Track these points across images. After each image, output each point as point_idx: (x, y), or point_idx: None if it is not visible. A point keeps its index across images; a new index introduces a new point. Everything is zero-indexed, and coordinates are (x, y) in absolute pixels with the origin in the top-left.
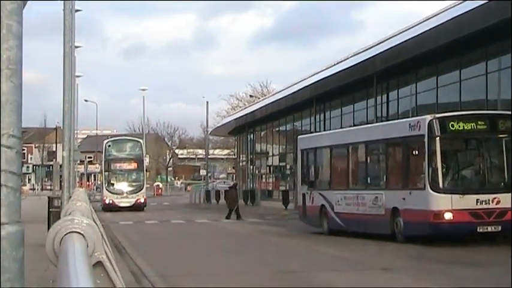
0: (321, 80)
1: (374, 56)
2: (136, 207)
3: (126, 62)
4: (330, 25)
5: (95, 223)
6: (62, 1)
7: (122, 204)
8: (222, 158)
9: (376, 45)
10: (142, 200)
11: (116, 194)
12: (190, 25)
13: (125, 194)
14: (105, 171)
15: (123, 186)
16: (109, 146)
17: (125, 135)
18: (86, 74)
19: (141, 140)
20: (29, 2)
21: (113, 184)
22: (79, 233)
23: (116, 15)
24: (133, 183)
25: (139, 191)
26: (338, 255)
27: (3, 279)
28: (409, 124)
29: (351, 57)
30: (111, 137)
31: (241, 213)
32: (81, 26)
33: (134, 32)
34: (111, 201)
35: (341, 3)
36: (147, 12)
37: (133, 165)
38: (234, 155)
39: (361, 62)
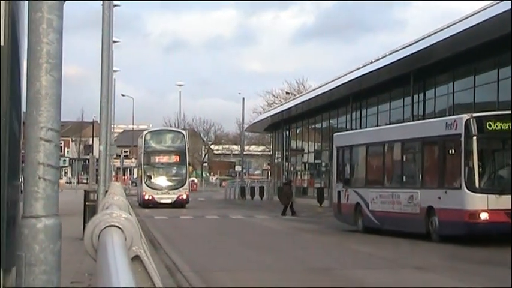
0: (358, 77)
1: (411, 54)
2: (178, 204)
3: (164, 57)
4: (371, 22)
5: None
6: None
7: (162, 201)
8: (258, 155)
9: (414, 43)
10: (184, 197)
11: (156, 189)
12: (231, 21)
13: (165, 190)
14: (144, 165)
15: (163, 181)
16: (149, 137)
17: None
18: (124, 69)
19: (183, 132)
20: None
21: (152, 178)
22: (117, 227)
23: (157, 9)
24: (175, 178)
25: (182, 186)
26: (372, 253)
27: (39, 271)
28: (446, 123)
29: (388, 55)
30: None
31: (275, 209)
32: (121, 20)
33: (174, 27)
34: (150, 197)
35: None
36: (188, 7)
37: (175, 159)
38: (270, 151)
39: (399, 60)
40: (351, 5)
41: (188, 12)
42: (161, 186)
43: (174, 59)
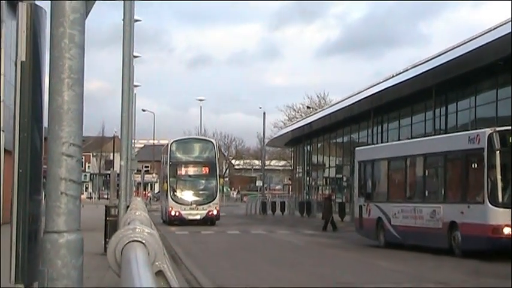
0: (380, 91)
1: (433, 68)
2: (208, 221)
3: (187, 71)
4: (395, 36)
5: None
6: (123, 12)
7: (190, 217)
8: (279, 169)
9: (436, 57)
10: (215, 212)
11: (183, 204)
12: (255, 36)
13: (193, 205)
14: (170, 177)
15: (191, 195)
16: (175, 147)
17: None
18: (145, 84)
19: (212, 141)
20: (92, 12)
21: (179, 192)
22: (141, 242)
23: (181, 24)
24: (204, 192)
25: (212, 201)
26: (394, 268)
27: (61, 286)
28: (469, 137)
29: (410, 69)
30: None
31: (297, 224)
32: (144, 34)
33: (199, 41)
34: (177, 213)
35: (409, 15)
36: (212, 22)
37: (204, 170)
38: (291, 166)
39: (420, 74)
40: (375, 20)
41: (213, 27)
42: (189, 201)
43: (197, 73)
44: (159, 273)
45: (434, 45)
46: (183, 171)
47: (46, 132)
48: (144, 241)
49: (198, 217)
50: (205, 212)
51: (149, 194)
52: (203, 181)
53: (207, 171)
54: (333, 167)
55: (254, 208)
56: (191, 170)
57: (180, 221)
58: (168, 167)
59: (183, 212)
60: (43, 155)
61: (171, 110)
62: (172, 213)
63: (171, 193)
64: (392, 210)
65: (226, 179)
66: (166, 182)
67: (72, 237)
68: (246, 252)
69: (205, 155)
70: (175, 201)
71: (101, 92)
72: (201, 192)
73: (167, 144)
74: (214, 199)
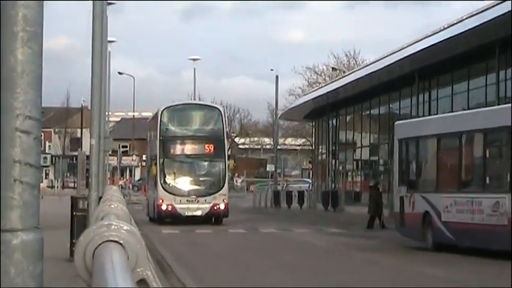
0: (427, 48)
1: (500, 15)
2: (213, 218)
3: (180, 24)
4: None
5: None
6: None
7: (188, 213)
8: (295, 150)
9: (501, 2)
10: (222, 206)
11: (178, 195)
12: None
13: (192, 197)
14: (160, 158)
15: (189, 182)
16: (167, 116)
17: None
18: (123, 40)
19: (219, 107)
20: None
21: (172, 179)
22: (118, 242)
23: None
24: (207, 179)
25: (218, 190)
26: (445, 277)
27: None
28: None
29: (465, 19)
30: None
31: (319, 220)
32: None
33: None
34: (169, 207)
35: None
36: None
37: (208, 148)
38: (311, 145)
39: (481, 24)
40: None
41: None
42: (186, 190)
43: (193, 27)
44: (142, 283)
45: None
46: (178, 149)
47: None
48: (122, 241)
49: (198, 213)
50: (208, 206)
51: (125, 182)
52: (206, 163)
53: (212, 149)
54: (366, 147)
55: (264, 200)
56: (189, 148)
57: (174, 218)
58: (157, 144)
59: (178, 206)
60: None
61: (158, 74)
62: (163, 207)
63: (162, 180)
64: (443, 203)
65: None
66: (155, 164)
67: (29, 238)
68: (254, 257)
69: (208, 127)
70: (168, 191)
71: (69, 51)
72: (202, 178)
73: (156, 114)
74: (221, 188)
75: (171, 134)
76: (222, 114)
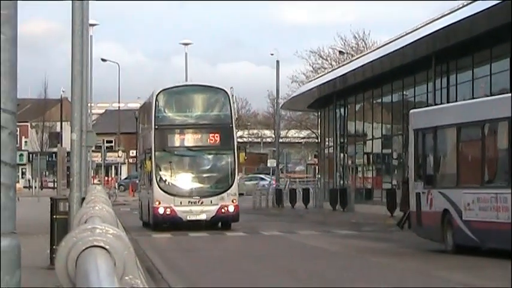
0: (444, 28)
1: None
2: (220, 222)
3: (169, 4)
4: None
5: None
6: None
7: (190, 217)
8: (299, 143)
9: None
10: (231, 209)
11: (177, 195)
12: None
13: (195, 197)
14: (156, 152)
15: (191, 180)
16: (163, 100)
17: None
18: (107, 23)
19: (226, 89)
20: None
21: (170, 176)
22: (103, 247)
23: None
24: (213, 175)
25: (226, 189)
26: (467, 282)
27: None
28: None
29: None
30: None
31: (327, 221)
32: None
33: None
34: (167, 210)
35: None
36: None
37: (212, 138)
38: (316, 138)
39: (504, 1)
40: None
41: None
42: (187, 190)
43: (184, 8)
44: None
45: None
46: (177, 140)
47: None
48: (107, 246)
49: (203, 217)
50: (214, 208)
51: (115, 182)
52: (210, 156)
53: (217, 139)
54: (378, 139)
55: (266, 199)
56: (190, 139)
57: (174, 224)
58: (152, 134)
59: (177, 209)
60: None
61: (146, 60)
62: (160, 210)
63: (158, 177)
64: (464, 200)
65: None
66: (150, 159)
67: (5, 244)
68: (255, 264)
69: (213, 112)
70: (165, 191)
71: (47, 36)
72: (207, 175)
73: (150, 98)
74: (229, 187)
75: (169, 122)
76: (229, 97)
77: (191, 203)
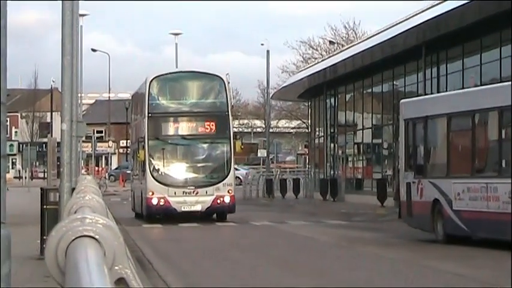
0: (434, 18)
1: None
2: (216, 213)
3: None
4: None
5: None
6: None
7: (185, 208)
8: (290, 133)
9: None
10: (227, 199)
11: (172, 185)
12: None
13: (190, 188)
14: (150, 141)
15: (185, 170)
16: (156, 87)
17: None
18: (97, 13)
19: (222, 76)
20: None
21: (164, 166)
22: (93, 237)
23: None
24: (208, 164)
25: (222, 179)
26: (458, 272)
27: None
28: None
29: None
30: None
31: (318, 211)
32: None
33: None
34: (161, 200)
35: None
36: None
37: (208, 127)
38: (307, 128)
39: None
40: None
41: None
42: (182, 180)
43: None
44: (120, 282)
45: None
46: (171, 128)
47: None
48: (97, 236)
49: (198, 208)
50: (210, 199)
51: (105, 172)
52: (206, 145)
53: (213, 128)
54: (368, 129)
55: (256, 189)
56: (185, 127)
57: (168, 215)
58: (145, 122)
59: (171, 200)
60: None
61: (137, 50)
62: (154, 201)
63: (151, 167)
64: (454, 189)
65: None
66: (143, 148)
67: None
68: (245, 254)
69: (208, 100)
70: (159, 181)
71: (37, 26)
72: (202, 164)
73: (143, 85)
74: (225, 176)
75: (163, 110)
76: (225, 84)
77: (186, 193)
